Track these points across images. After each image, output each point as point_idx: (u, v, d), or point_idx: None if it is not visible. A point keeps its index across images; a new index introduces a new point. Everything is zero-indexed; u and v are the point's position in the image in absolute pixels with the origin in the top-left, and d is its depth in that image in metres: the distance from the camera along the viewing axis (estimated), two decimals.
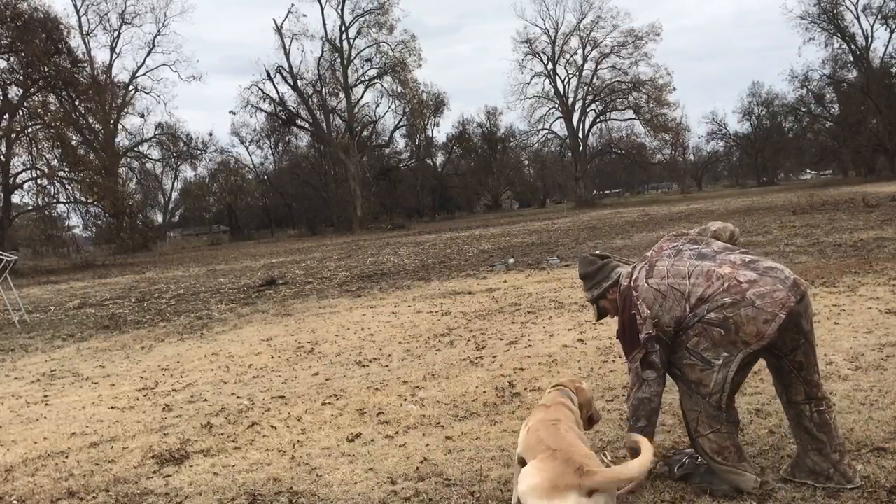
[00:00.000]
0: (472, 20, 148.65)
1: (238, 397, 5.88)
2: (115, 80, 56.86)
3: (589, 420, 3.40)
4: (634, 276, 3.34)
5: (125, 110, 57.43)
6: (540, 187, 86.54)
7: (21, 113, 37.42)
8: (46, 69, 35.16)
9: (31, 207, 41.95)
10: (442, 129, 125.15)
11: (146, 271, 26.42)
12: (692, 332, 3.10)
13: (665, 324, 3.14)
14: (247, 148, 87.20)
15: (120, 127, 56.82)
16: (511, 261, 15.46)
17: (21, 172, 39.46)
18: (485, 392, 5.28)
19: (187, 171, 74.06)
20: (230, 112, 67.15)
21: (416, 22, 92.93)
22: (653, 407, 3.22)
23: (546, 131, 67.96)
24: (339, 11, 56.88)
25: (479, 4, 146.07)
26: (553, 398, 3.23)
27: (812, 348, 3.17)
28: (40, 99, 37.69)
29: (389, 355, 6.97)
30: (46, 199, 39.20)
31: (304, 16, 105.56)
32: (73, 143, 39.13)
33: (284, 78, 56.65)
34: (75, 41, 45.00)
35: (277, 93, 57.90)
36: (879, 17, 54.69)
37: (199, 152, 66.16)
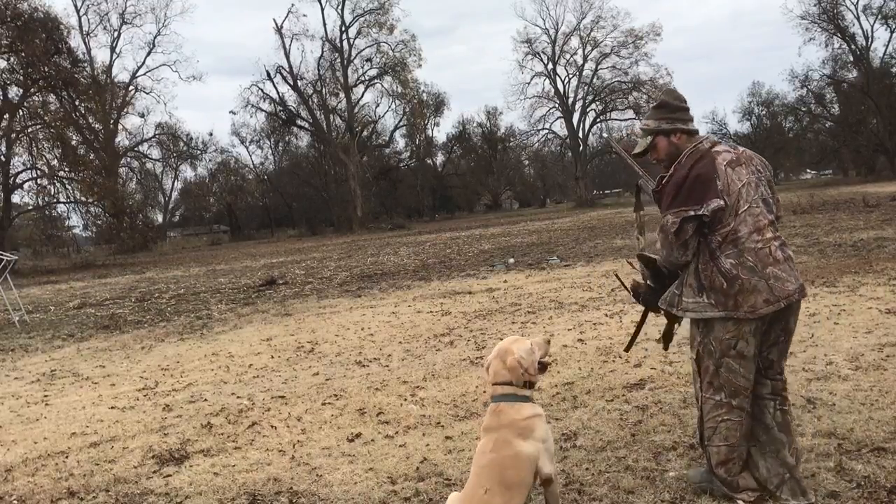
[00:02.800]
0: (467, 21, 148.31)
1: (238, 397, 5.88)
2: (115, 80, 56.92)
3: (541, 365, 3.09)
4: (720, 152, 3.11)
5: (125, 110, 57.37)
6: (540, 187, 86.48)
7: (21, 113, 37.37)
8: (46, 69, 35.11)
9: (31, 207, 41.82)
10: (442, 129, 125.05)
11: (146, 271, 26.42)
12: (701, 265, 3.02)
13: (711, 210, 2.98)
14: (247, 148, 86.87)
15: (120, 127, 56.73)
16: (511, 261, 15.46)
17: (21, 172, 39.44)
18: (485, 392, 5.28)
19: (187, 171, 74.00)
20: (230, 112, 67.27)
21: (413, 23, 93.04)
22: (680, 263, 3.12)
23: (546, 131, 67.89)
24: (339, 11, 56.91)
25: (474, 5, 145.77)
26: (489, 422, 2.99)
27: (786, 351, 3.19)
28: (40, 99, 37.67)
29: (389, 355, 6.97)
30: (46, 199, 39.17)
31: (304, 16, 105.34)
32: (73, 143, 39.05)
33: (284, 78, 56.69)
34: (75, 41, 45.10)
35: (277, 93, 57.98)
36: (879, 17, 54.60)
37: (199, 152, 66.08)
